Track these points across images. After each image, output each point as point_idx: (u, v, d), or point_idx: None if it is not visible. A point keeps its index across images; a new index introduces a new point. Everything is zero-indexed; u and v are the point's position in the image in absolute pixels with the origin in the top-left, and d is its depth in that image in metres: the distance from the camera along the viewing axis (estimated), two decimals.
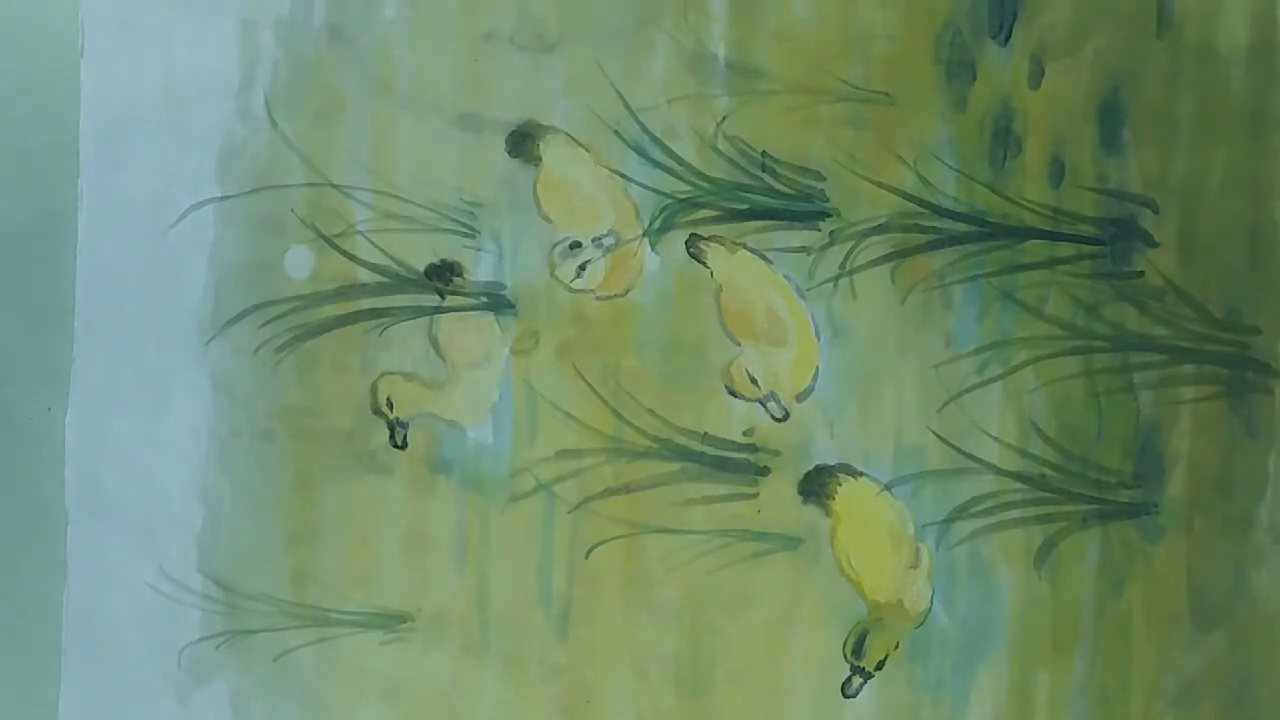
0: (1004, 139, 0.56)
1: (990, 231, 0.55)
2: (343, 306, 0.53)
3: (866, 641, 0.56)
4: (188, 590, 0.53)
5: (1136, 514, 0.58)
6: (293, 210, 0.53)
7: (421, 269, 0.53)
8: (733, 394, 0.56)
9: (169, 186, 0.52)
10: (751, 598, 0.56)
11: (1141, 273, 0.57)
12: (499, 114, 0.54)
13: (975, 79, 0.56)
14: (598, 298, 0.54)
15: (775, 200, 0.55)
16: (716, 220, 0.55)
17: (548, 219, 0.54)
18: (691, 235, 0.55)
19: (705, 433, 0.55)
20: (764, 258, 0.55)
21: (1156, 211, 0.56)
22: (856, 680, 0.56)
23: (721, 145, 0.55)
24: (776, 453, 0.56)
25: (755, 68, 0.55)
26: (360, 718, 0.54)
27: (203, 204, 0.52)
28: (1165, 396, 0.58)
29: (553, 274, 0.54)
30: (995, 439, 0.57)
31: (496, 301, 0.54)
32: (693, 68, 0.54)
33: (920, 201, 0.56)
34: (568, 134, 0.54)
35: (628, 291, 0.54)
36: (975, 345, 0.56)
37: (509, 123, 0.54)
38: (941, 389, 0.56)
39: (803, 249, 0.55)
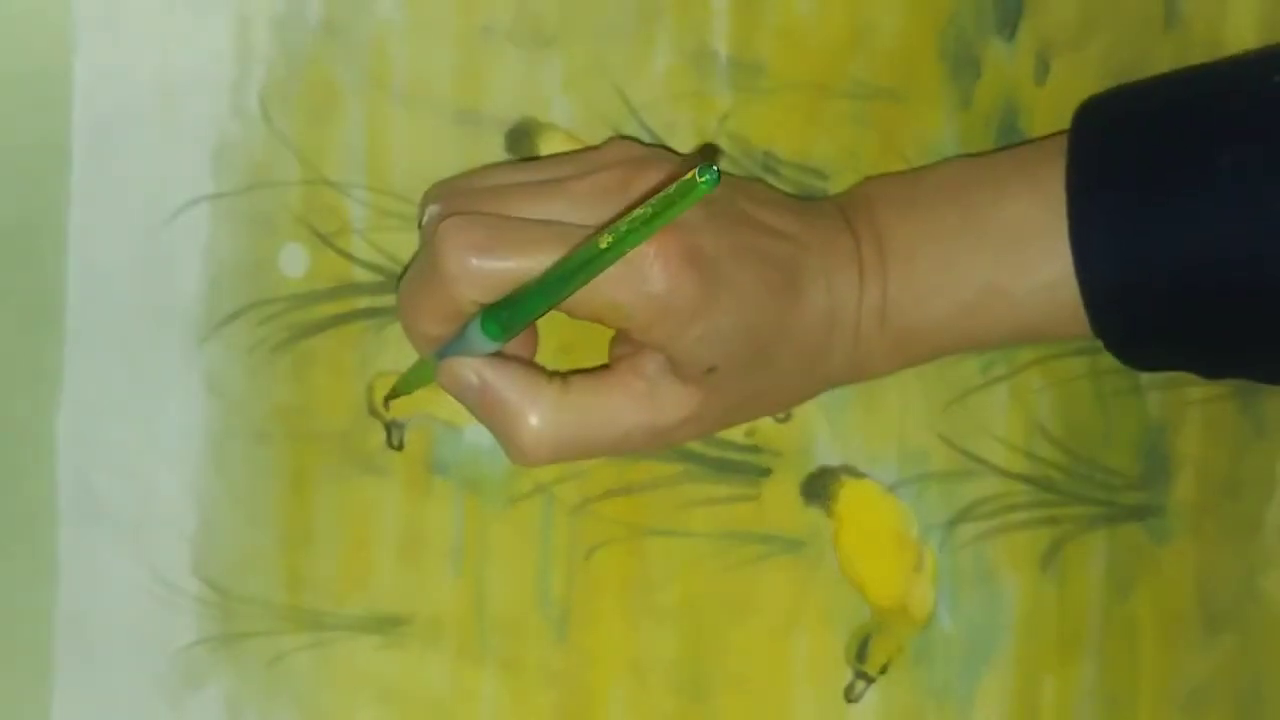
0: (1009, 136, 0.56)
1: None
2: (338, 305, 0.53)
3: (870, 645, 0.56)
4: (181, 593, 0.52)
5: (1144, 516, 0.58)
6: (287, 208, 0.52)
7: None
8: None
9: (162, 184, 0.52)
10: (753, 601, 0.56)
11: None
12: (497, 110, 0.53)
13: (980, 76, 0.56)
14: None
15: None
16: None
17: None
18: None
19: None
20: None
21: None
22: (860, 685, 0.56)
23: (723, 143, 0.54)
24: (779, 454, 0.55)
25: (757, 65, 0.55)
26: None
27: (196, 201, 0.52)
28: (1173, 398, 0.57)
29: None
30: (1000, 440, 0.57)
31: None
32: (694, 64, 0.54)
33: None
34: (567, 131, 0.54)
35: None
36: None
37: (507, 119, 0.53)
38: (946, 390, 0.56)
39: None
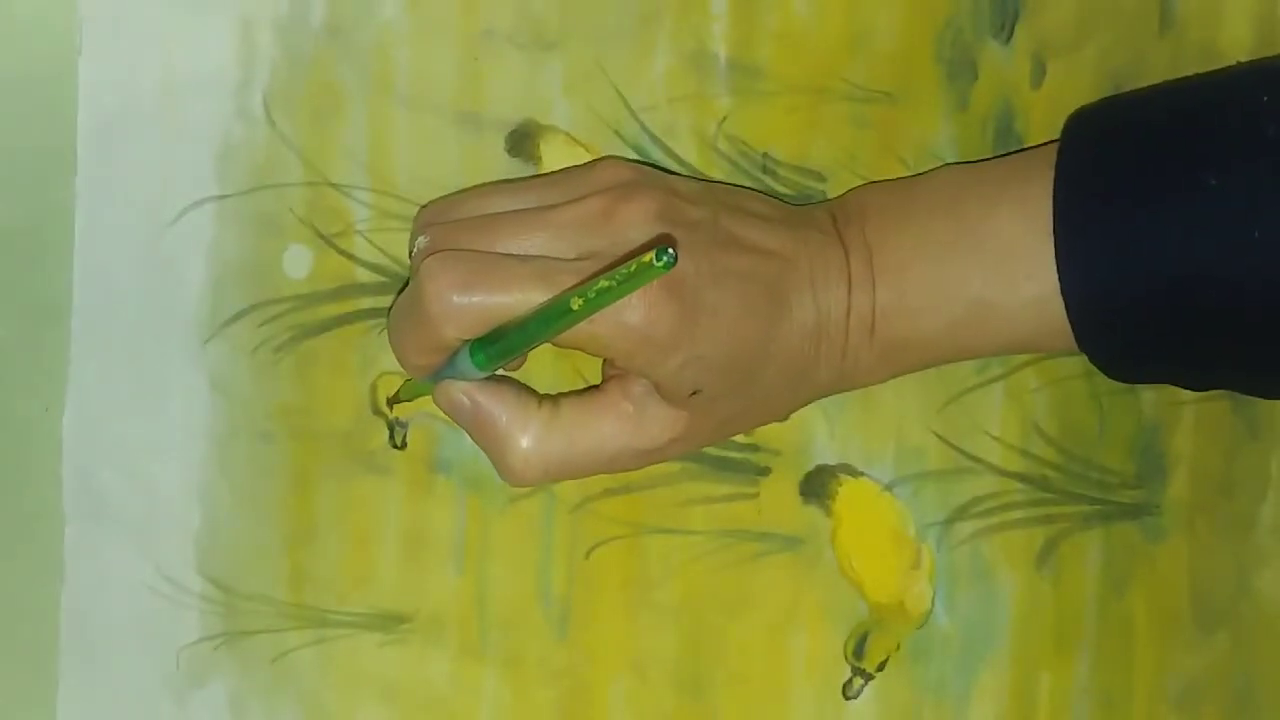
0: (1005, 138, 0.56)
1: None
2: (342, 306, 0.53)
3: (868, 643, 0.56)
4: (185, 591, 0.52)
5: (1139, 515, 0.58)
6: (291, 209, 0.53)
7: None
8: None
9: (166, 186, 0.52)
10: (752, 598, 0.56)
11: None
12: (498, 113, 0.54)
13: (977, 78, 0.56)
14: None
15: None
16: None
17: None
18: None
19: None
20: None
21: None
22: (858, 682, 0.56)
23: (722, 145, 0.55)
24: (777, 452, 0.56)
25: (756, 67, 0.55)
26: (359, 719, 0.54)
27: (200, 203, 0.52)
28: (1167, 397, 0.58)
29: None
30: (996, 439, 0.57)
31: None
32: (693, 67, 0.54)
33: None
34: (568, 133, 0.54)
35: None
36: None
37: (508, 121, 0.54)
38: (943, 389, 0.56)
39: None
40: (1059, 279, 0.50)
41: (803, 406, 0.53)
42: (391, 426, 0.53)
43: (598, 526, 0.55)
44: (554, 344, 0.47)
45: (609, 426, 0.50)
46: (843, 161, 0.55)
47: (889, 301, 0.51)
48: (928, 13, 0.55)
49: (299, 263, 0.53)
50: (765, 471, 0.56)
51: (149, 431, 0.52)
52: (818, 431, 0.56)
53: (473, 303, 0.46)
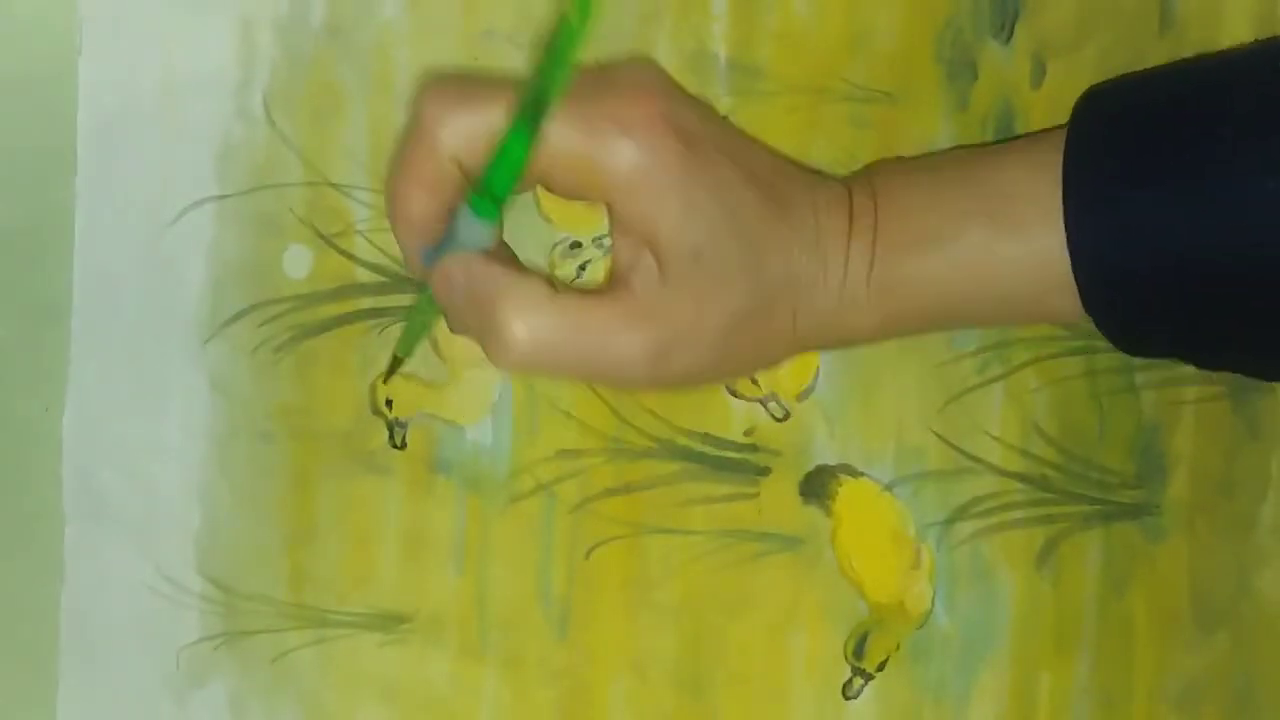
0: (1005, 138, 0.56)
1: None
2: (342, 306, 0.53)
3: (868, 643, 0.56)
4: (185, 591, 0.53)
5: (1139, 515, 0.58)
6: (291, 209, 0.53)
7: None
8: (733, 394, 0.55)
9: (166, 186, 0.52)
10: (752, 599, 0.56)
11: None
12: None
13: (977, 78, 0.56)
14: None
15: None
16: None
17: (548, 219, 0.54)
18: None
19: (706, 433, 0.55)
20: None
21: None
22: (858, 682, 0.56)
23: None
24: (777, 453, 0.56)
25: (756, 67, 0.55)
26: (359, 719, 0.54)
27: (200, 203, 0.52)
28: (1167, 397, 0.58)
29: (553, 274, 0.54)
30: (997, 439, 0.57)
31: None
32: (693, 67, 0.54)
33: None
34: None
35: None
36: (977, 345, 0.56)
37: None
38: (943, 389, 0.56)
39: None
40: (1065, 227, 0.49)
41: (801, 349, 0.51)
42: (391, 426, 0.53)
43: (598, 526, 0.55)
44: (553, 187, 0.46)
45: (610, 312, 0.47)
46: (843, 161, 0.55)
47: (889, 234, 0.50)
48: (928, 13, 0.55)
49: (299, 263, 0.53)
50: (765, 471, 0.56)
51: (149, 431, 0.52)
52: (818, 431, 0.56)
53: (469, 101, 0.46)
